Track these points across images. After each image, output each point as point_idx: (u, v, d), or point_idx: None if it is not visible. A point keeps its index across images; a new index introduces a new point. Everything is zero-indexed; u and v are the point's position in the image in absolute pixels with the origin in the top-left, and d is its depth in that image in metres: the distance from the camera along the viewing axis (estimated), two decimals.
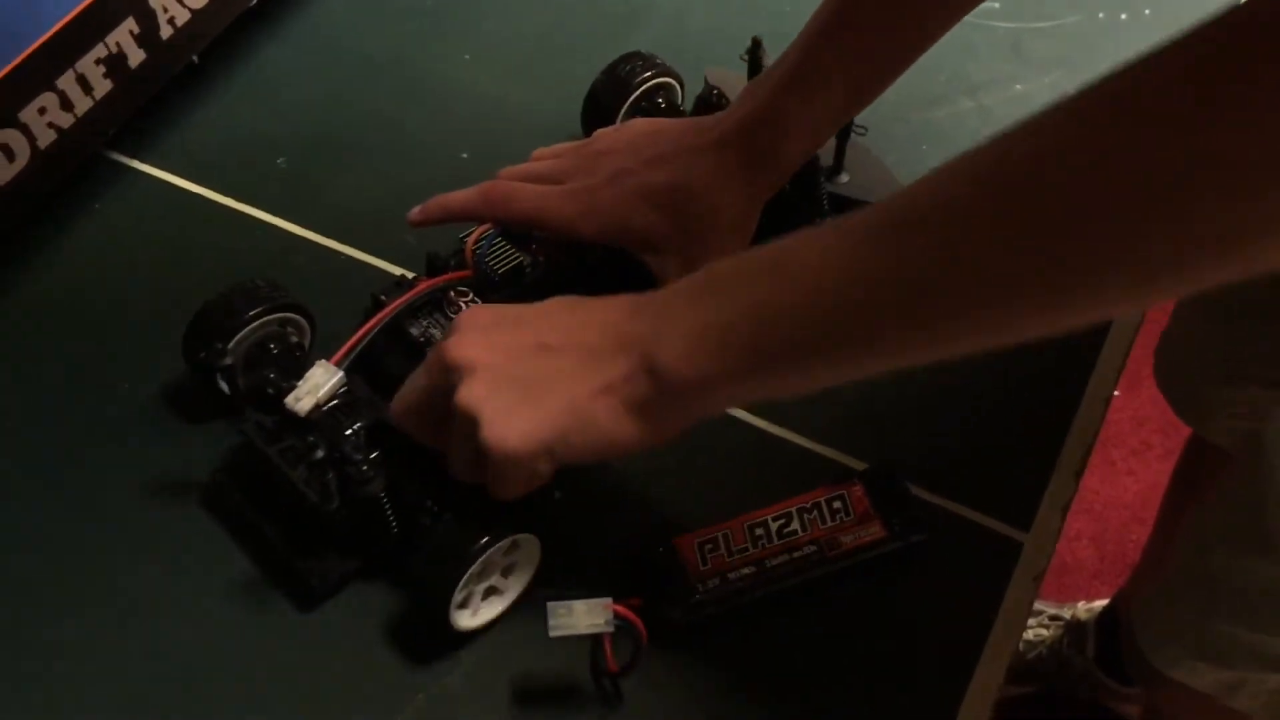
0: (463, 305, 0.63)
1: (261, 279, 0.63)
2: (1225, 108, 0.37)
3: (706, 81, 0.74)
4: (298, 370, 0.59)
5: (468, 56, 0.83)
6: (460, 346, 0.51)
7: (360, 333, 0.61)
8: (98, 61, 0.64)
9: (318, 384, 0.58)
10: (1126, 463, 1.52)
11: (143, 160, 0.76)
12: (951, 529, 0.63)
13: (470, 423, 0.50)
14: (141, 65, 0.67)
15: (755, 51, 0.72)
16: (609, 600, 0.55)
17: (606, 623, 0.54)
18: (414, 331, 0.62)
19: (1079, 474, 0.65)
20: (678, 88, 0.76)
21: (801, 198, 0.69)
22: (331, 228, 0.73)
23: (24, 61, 0.60)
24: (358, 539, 0.58)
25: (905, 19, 0.62)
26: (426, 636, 0.58)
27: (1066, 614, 1.28)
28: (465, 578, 0.55)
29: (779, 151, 0.62)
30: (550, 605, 0.54)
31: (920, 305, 0.45)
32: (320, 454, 0.56)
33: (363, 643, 0.58)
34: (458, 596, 0.56)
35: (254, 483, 0.60)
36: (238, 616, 0.59)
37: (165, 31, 0.68)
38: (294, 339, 0.63)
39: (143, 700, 0.56)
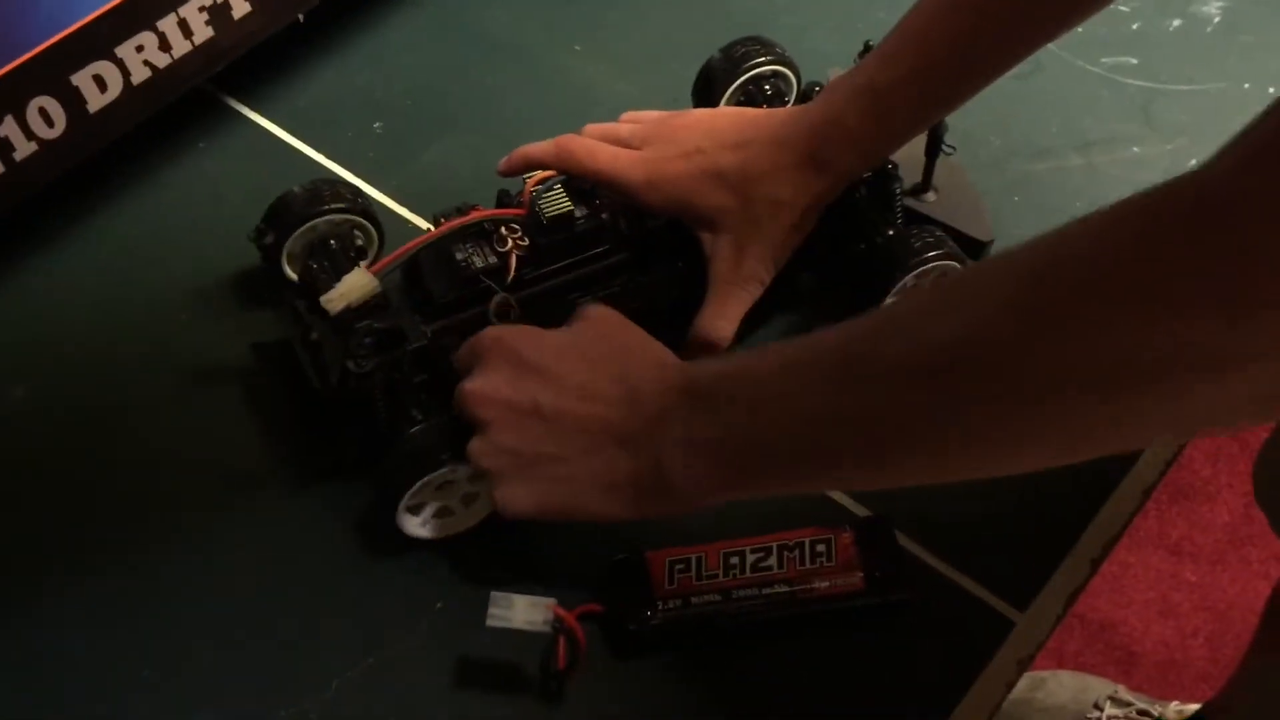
0: (511, 241, 0.64)
1: (344, 184, 0.68)
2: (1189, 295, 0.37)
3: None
4: (345, 271, 0.62)
5: (579, 48, 0.84)
6: (475, 398, 0.56)
7: (405, 247, 0.64)
8: (201, 9, 0.68)
9: (351, 288, 0.61)
10: (1264, 565, 1.42)
11: (252, 108, 0.80)
12: (944, 594, 0.60)
13: (480, 469, 0.56)
14: (245, 17, 0.71)
15: (865, 56, 0.70)
16: (552, 601, 0.55)
17: (545, 622, 0.54)
18: (458, 256, 0.64)
19: (1096, 563, 0.61)
20: (791, 78, 0.75)
21: (876, 207, 0.68)
22: (409, 198, 0.76)
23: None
24: (352, 423, 0.61)
25: (981, 44, 0.61)
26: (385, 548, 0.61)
27: (1155, 711, 1.20)
28: (423, 482, 0.57)
29: (837, 159, 0.63)
30: (493, 595, 0.55)
31: (885, 451, 0.48)
32: (315, 336, 0.60)
33: (331, 557, 0.61)
34: (411, 498, 0.58)
35: (284, 361, 0.65)
36: (237, 488, 0.64)
37: None
38: (359, 242, 0.67)
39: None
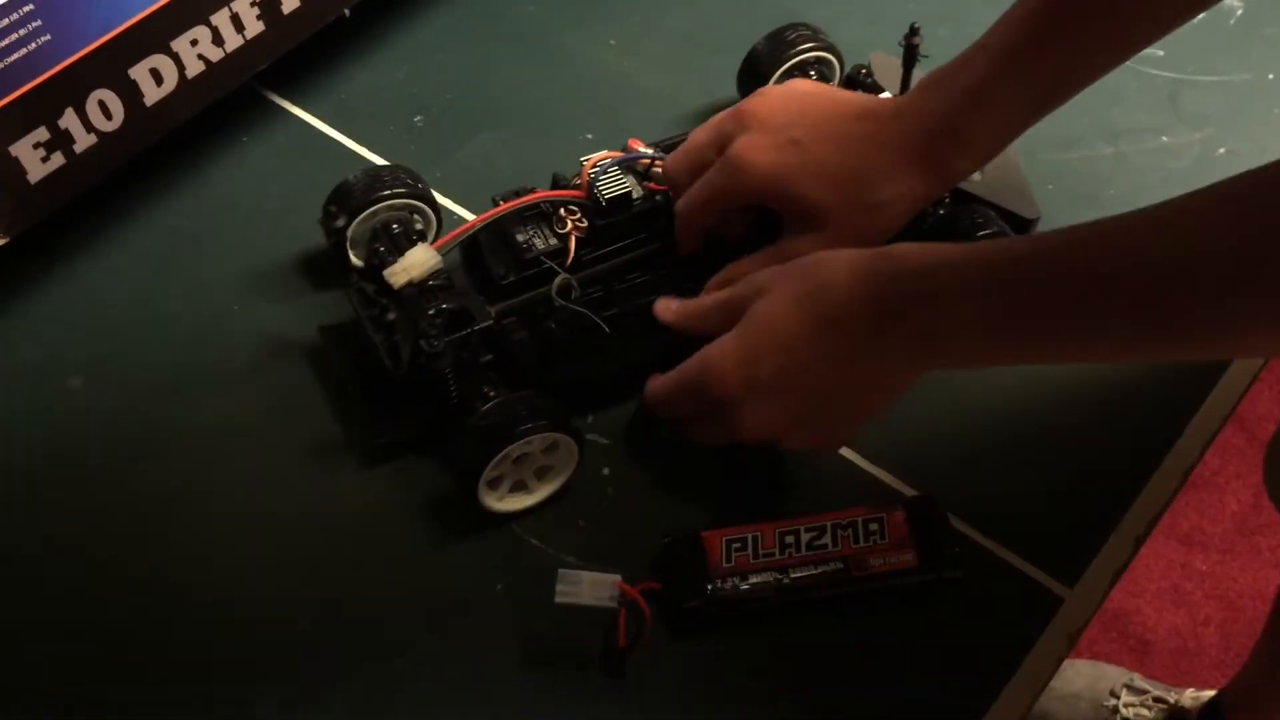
0: (570, 223, 0.65)
1: (404, 170, 0.69)
2: None
3: (871, 65, 0.75)
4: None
5: (613, 42, 0.85)
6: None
7: (465, 226, 0.65)
8: (253, 3, 0.69)
9: (414, 262, 0.62)
10: (1274, 554, 1.44)
11: (295, 103, 0.81)
12: (993, 571, 0.62)
13: None
14: (294, 12, 0.72)
15: (910, 38, 0.71)
16: (618, 577, 0.56)
17: (611, 598, 0.55)
18: (519, 237, 0.64)
19: (1140, 540, 0.63)
20: (836, 65, 0.76)
21: None
22: (451, 189, 0.76)
23: None
24: (422, 406, 0.62)
25: (1094, 44, 0.60)
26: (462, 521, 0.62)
27: (1171, 698, 1.22)
28: (502, 455, 0.58)
29: (953, 166, 0.63)
30: (561, 572, 0.56)
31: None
32: (391, 317, 0.61)
33: (400, 527, 0.63)
34: (490, 473, 0.59)
35: (350, 342, 0.66)
36: (302, 468, 0.65)
37: None
38: (419, 227, 0.68)
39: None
